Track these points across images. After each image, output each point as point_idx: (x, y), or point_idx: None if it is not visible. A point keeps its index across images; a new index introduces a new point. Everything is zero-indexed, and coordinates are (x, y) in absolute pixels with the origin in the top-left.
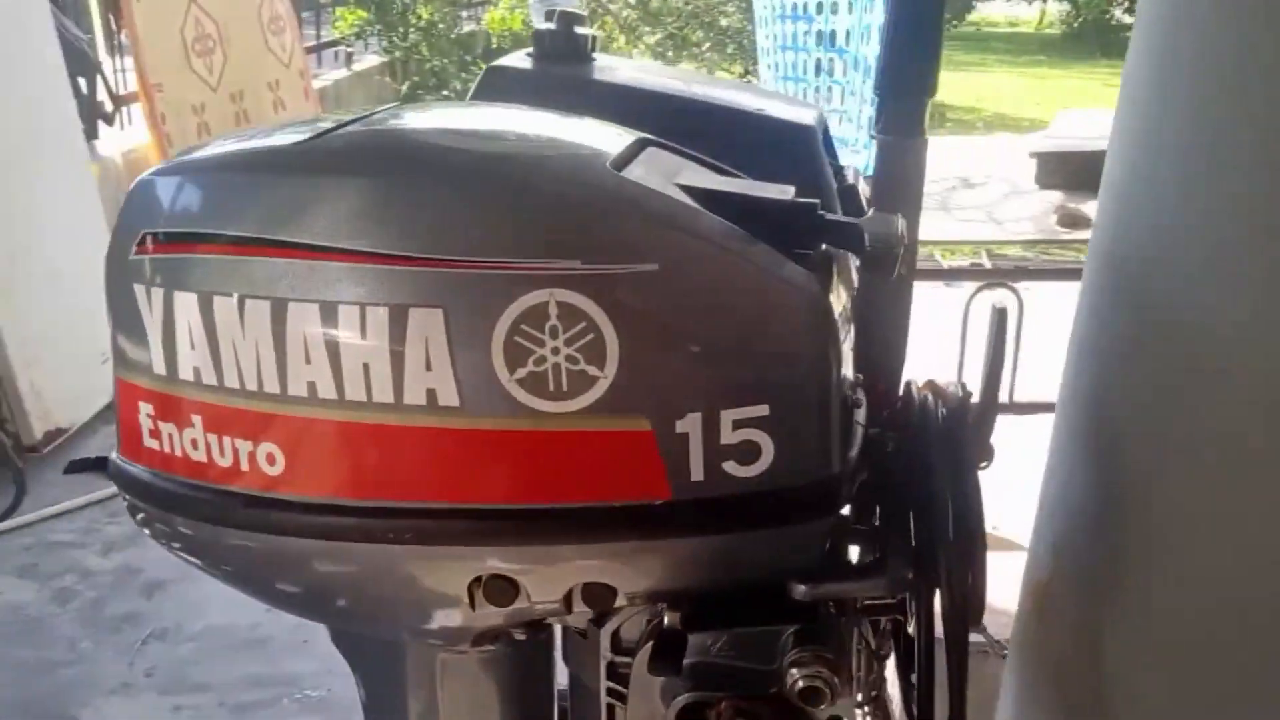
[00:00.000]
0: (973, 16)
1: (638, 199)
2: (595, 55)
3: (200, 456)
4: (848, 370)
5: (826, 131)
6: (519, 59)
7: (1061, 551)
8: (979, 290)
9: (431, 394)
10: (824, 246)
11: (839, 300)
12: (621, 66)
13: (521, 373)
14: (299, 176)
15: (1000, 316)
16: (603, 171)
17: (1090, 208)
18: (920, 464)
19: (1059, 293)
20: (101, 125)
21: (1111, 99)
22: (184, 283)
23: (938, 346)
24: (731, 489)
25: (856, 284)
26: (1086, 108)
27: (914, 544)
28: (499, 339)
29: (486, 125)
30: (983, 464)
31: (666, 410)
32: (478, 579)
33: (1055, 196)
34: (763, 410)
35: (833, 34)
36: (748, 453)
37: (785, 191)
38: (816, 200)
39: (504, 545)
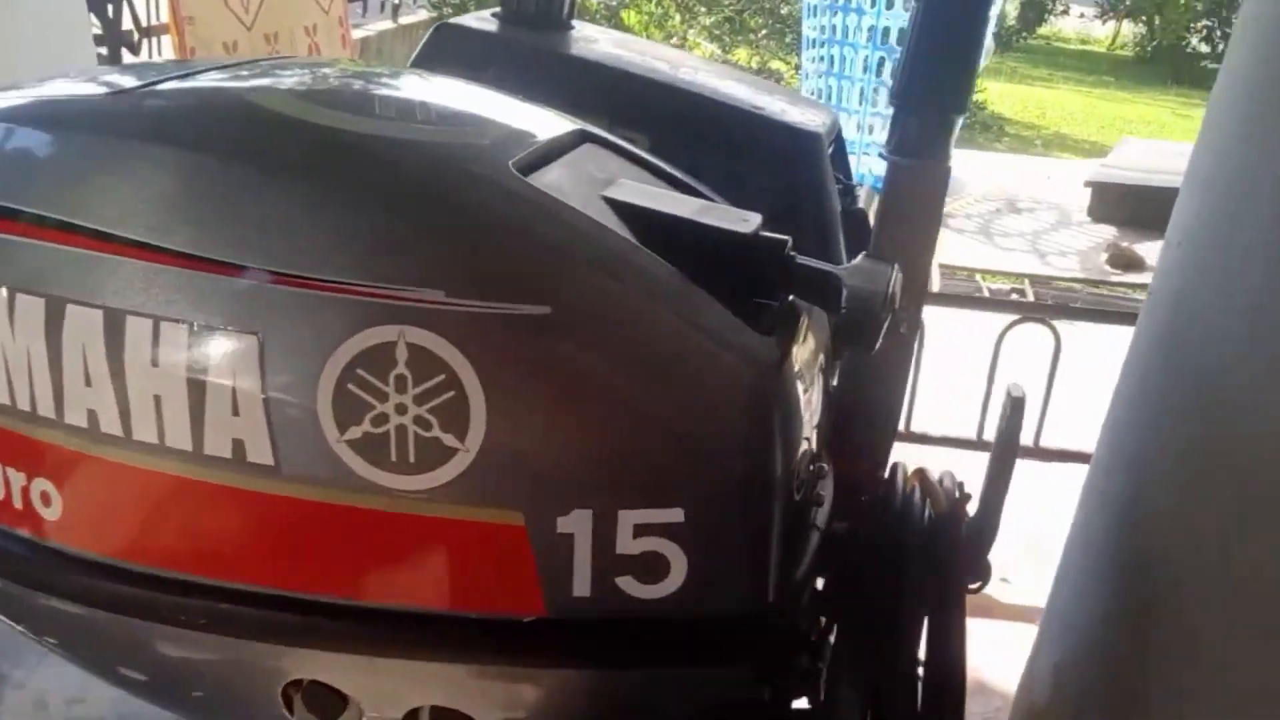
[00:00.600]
0: (1043, 30)
1: (535, 215)
2: (573, 23)
3: None
4: (805, 452)
5: (839, 140)
6: (481, 19)
7: (1075, 636)
8: (1014, 324)
9: (239, 446)
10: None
11: (807, 355)
12: (601, 39)
13: (355, 432)
14: (96, 140)
15: (1015, 408)
16: (498, 173)
17: (1146, 249)
18: (891, 582)
19: (1101, 336)
20: (126, 54)
21: (1180, 130)
22: None
23: (960, 382)
24: (627, 611)
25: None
26: (1152, 138)
27: (869, 699)
28: (327, 385)
29: (366, 94)
30: (973, 587)
31: (545, 502)
32: (297, 683)
33: (1108, 232)
34: (675, 515)
35: (885, 31)
36: (651, 567)
37: (747, 221)
38: (784, 238)
39: (327, 649)
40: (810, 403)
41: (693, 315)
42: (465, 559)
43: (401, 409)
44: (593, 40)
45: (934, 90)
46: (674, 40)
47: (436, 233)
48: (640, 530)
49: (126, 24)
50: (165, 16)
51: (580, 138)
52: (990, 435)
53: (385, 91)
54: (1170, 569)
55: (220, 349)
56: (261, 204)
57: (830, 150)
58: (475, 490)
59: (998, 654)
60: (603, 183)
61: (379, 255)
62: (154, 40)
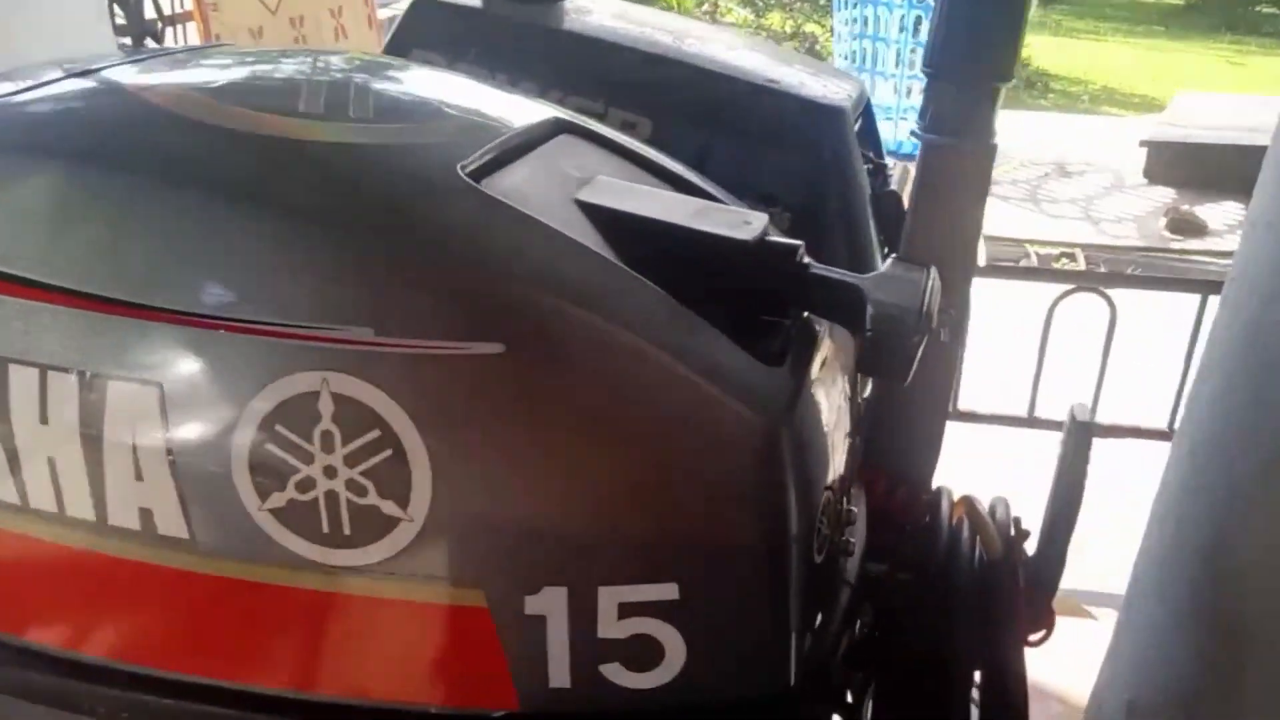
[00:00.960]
0: None
1: (484, 231)
2: None
3: None
4: (829, 501)
5: (867, 112)
6: None
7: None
8: (1066, 294)
9: (147, 516)
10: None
11: (830, 377)
12: (596, 10)
13: (278, 500)
14: None
15: (1080, 433)
16: (443, 180)
17: (1207, 212)
18: (938, 635)
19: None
20: (150, 43)
21: (1235, 80)
22: None
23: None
24: (617, 704)
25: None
26: (1206, 90)
27: None
28: (243, 444)
29: (291, 87)
30: (1035, 638)
31: (509, 579)
32: None
33: (1166, 195)
34: (667, 591)
35: (917, 20)
36: (642, 653)
37: (750, 224)
38: (794, 244)
39: None
40: (835, 438)
41: (683, 349)
42: (419, 646)
43: (330, 472)
44: (586, 11)
45: (974, 54)
46: (705, 7)
47: (362, 257)
48: (627, 610)
49: (150, 13)
50: (189, 3)
51: (554, 128)
52: (1042, 412)
53: (318, 83)
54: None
55: (117, 402)
56: (154, 227)
57: (857, 125)
58: (425, 566)
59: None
60: (578, 182)
61: (294, 287)
62: (178, 28)
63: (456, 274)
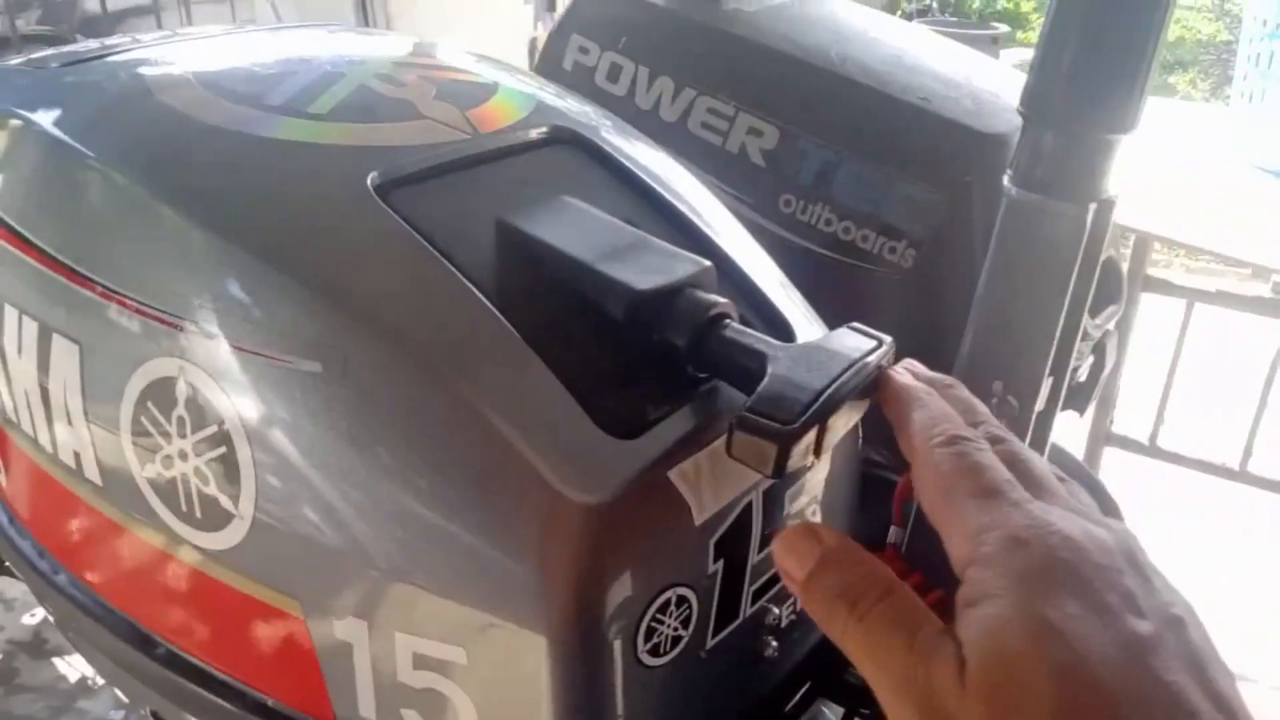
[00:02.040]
0: None
1: (339, 245)
2: None
3: None
4: (682, 599)
5: None
6: None
7: None
8: None
9: (78, 459)
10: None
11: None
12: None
13: (151, 471)
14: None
15: None
16: (338, 187)
17: None
18: None
19: None
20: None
21: None
22: None
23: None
24: None
25: None
26: None
27: None
28: (127, 413)
29: (282, 73)
30: None
31: (320, 600)
32: (145, 714)
33: None
34: (456, 655)
35: None
36: (436, 708)
37: (673, 270)
38: (712, 301)
39: (152, 685)
40: (723, 525)
41: (508, 405)
42: (258, 639)
43: (184, 455)
44: (755, 8)
45: (1082, 95)
46: None
47: (222, 254)
48: (420, 662)
49: None
50: None
51: (550, 139)
52: (1257, 466)
53: (308, 70)
54: None
55: (55, 354)
56: (96, 202)
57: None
58: (254, 565)
59: None
60: (527, 203)
61: (173, 274)
62: None
63: (293, 286)
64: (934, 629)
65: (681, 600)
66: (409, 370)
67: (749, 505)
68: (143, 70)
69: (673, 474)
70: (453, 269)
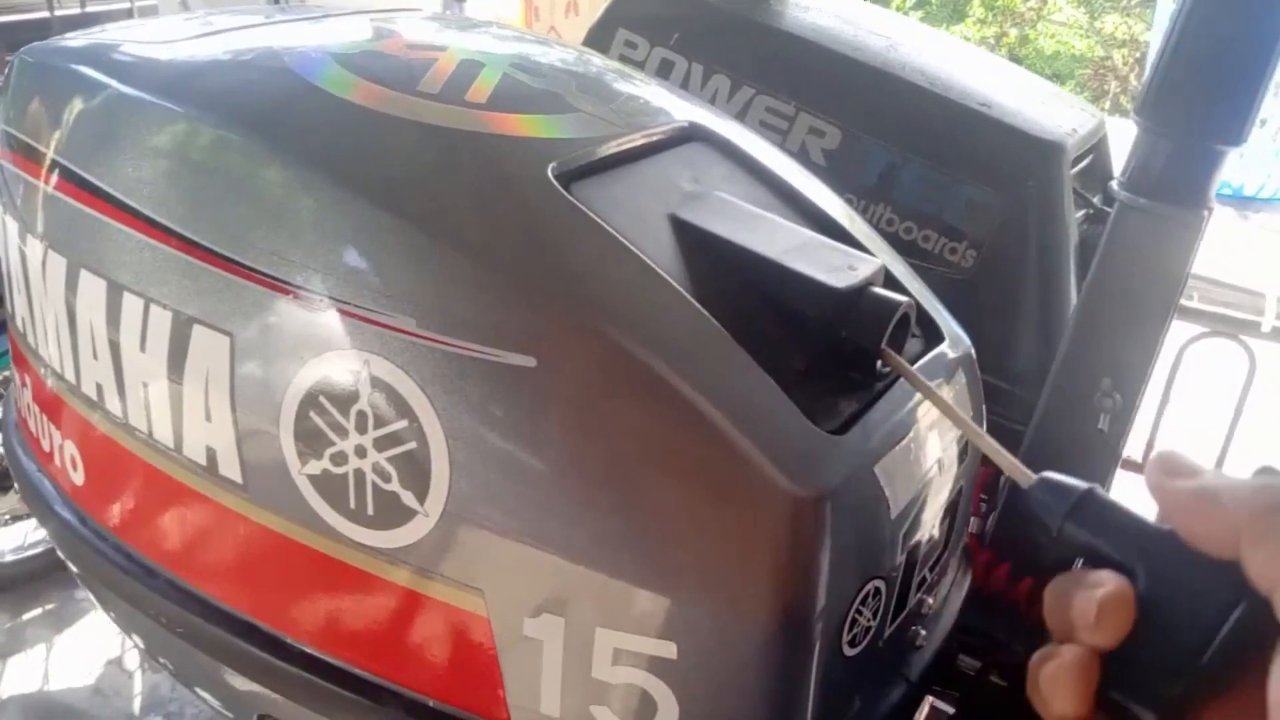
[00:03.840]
0: None
1: (545, 239)
2: None
3: (34, 429)
4: (876, 590)
5: (1100, 151)
6: None
7: None
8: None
9: (212, 456)
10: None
11: (919, 450)
12: (815, 7)
13: (315, 467)
14: (130, 92)
15: None
16: (523, 179)
17: None
18: None
19: None
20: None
21: None
22: (11, 199)
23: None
24: None
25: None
26: None
27: None
28: (290, 408)
29: (421, 60)
30: None
31: (512, 597)
32: (263, 717)
33: None
34: (666, 649)
35: None
36: (635, 704)
37: (853, 270)
38: (898, 300)
39: (278, 691)
40: (909, 521)
41: (728, 398)
42: (424, 638)
43: (361, 451)
44: (803, 8)
45: (1198, 108)
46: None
47: (415, 246)
48: (622, 657)
49: None
50: None
51: (685, 134)
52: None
53: (448, 58)
54: None
55: (197, 345)
56: (253, 187)
57: (1083, 165)
58: (434, 562)
59: None
60: (685, 196)
61: (355, 264)
62: None
63: (503, 279)
64: None
65: (876, 592)
66: (629, 367)
67: (924, 500)
68: (283, 55)
69: (877, 468)
70: (654, 266)
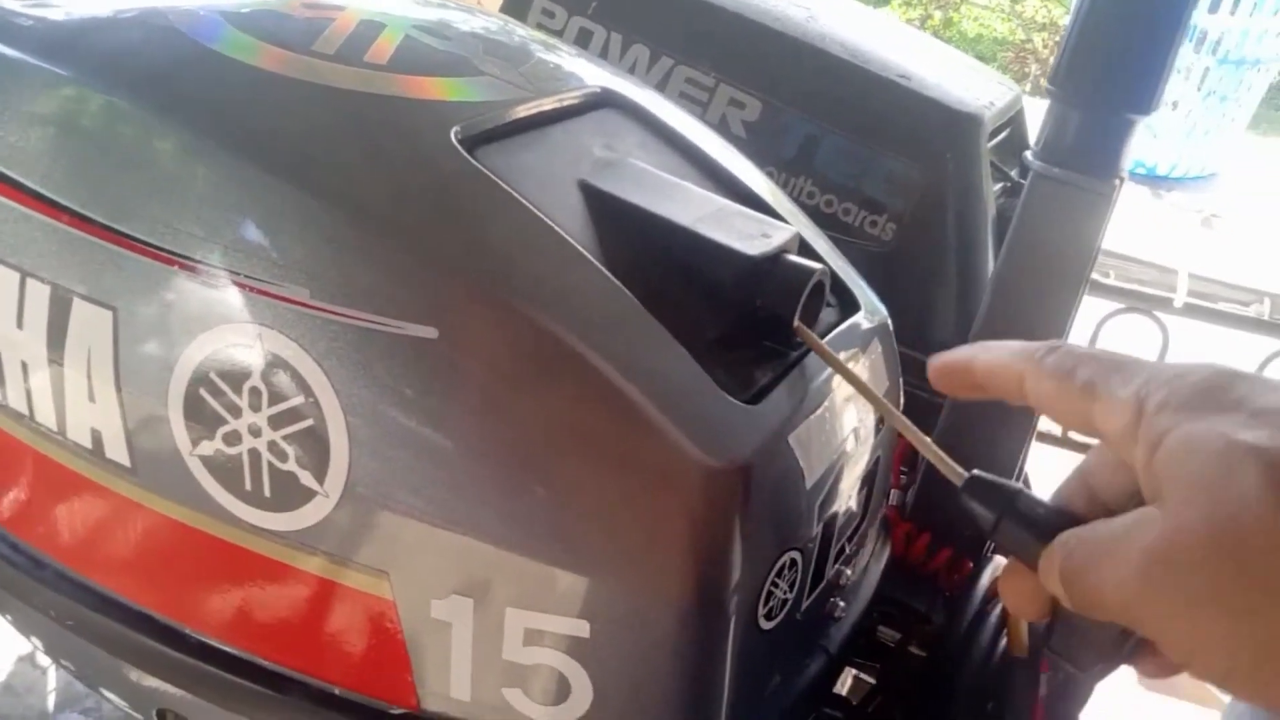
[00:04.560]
0: None
1: (447, 204)
2: None
3: None
4: (794, 562)
5: (1017, 125)
6: None
7: None
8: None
9: (98, 438)
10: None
11: (835, 419)
12: None
13: (207, 448)
14: (8, 53)
15: None
16: (424, 143)
17: None
18: None
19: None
20: None
21: None
22: None
23: None
24: None
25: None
26: None
27: None
28: (179, 385)
29: (317, 23)
30: None
31: (418, 578)
32: (162, 713)
33: None
34: (578, 628)
35: (1204, 34)
36: (547, 684)
37: (767, 237)
38: (813, 267)
39: (175, 684)
40: (824, 492)
41: (639, 368)
42: (327, 624)
43: (255, 430)
44: None
45: (1109, 78)
46: None
47: (307, 212)
48: (533, 637)
49: None
50: None
51: (598, 100)
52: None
53: (346, 17)
54: None
55: (78, 320)
56: (136, 153)
57: (1000, 138)
58: (336, 544)
59: None
60: (597, 163)
61: (246, 233)
62: None
63: (400, 246)
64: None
65: (793, 564)
66: (535, 338)
67: (840, 470)
68: (169, 15)
69: (791, 438)
70: (562, 233)
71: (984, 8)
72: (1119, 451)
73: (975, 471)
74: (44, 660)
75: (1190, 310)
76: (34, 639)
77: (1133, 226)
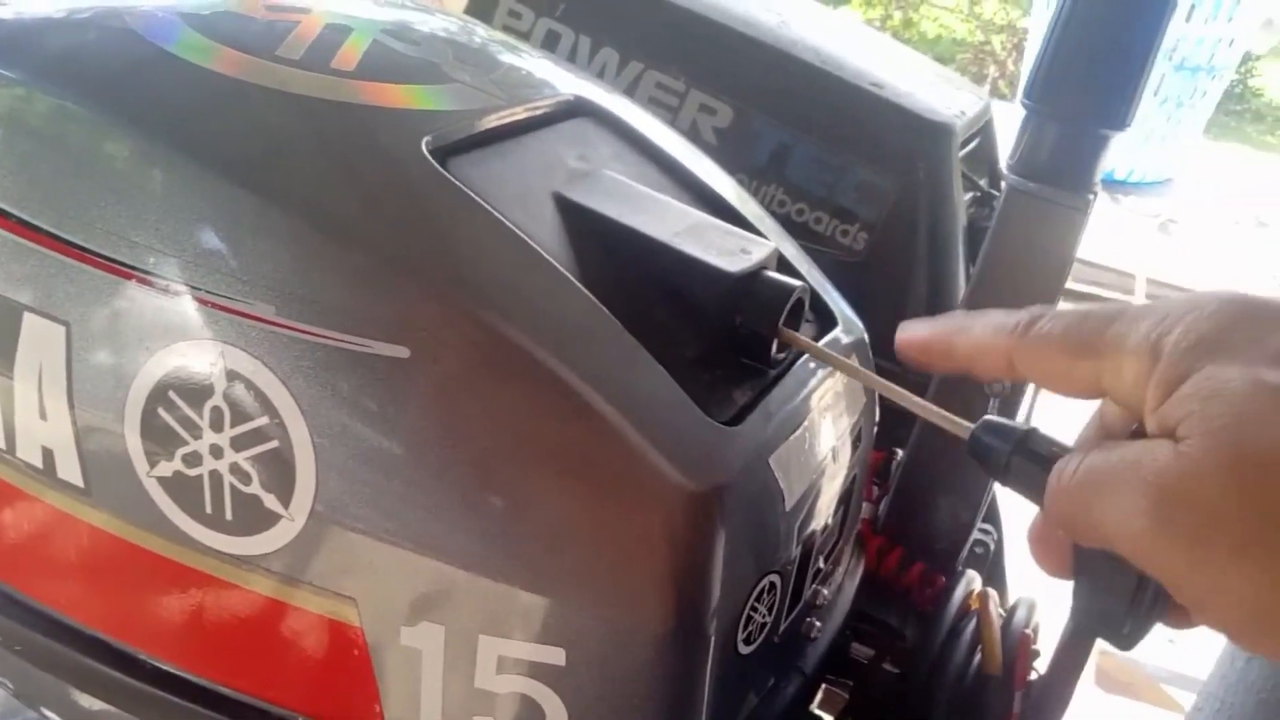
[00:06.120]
0: None
1: (420, 217)
2: None
3: None
4: (772, 586)
5: (987, 135)
6: None
7: None
8: None
9: (49, 457)
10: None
11: (813, 438)
12: None
13: (165, 469)
14: None
15: None
16: (395, 153)
17: None
18: None
19: None
20: None
21: None
22: None
23: None
24: None
25: None
26: None
27: None
28: (136, 403)
29: (281, 27)
30: None
31: (387, 605)
32: None
33: None
34: (554, 656)
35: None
36: (521, 714)
37: (746, 254)
38: (793, 284)
39: (131, 709)
40: (803, 513)
41: (616, 388)
42: (292, 651)
43: (217, 451)
44: None
45: (1084, 92)
46: None
47: (272, 225)
48: (507, 665)
49: None
50: None
51: (572, 109)
52: None
53: (311, 21)
54: None
55: (28, 334)
56: (90, 160)
57: (970, 147)
58: (302, 570)
59: None
60: (571, 175)
61: (208, 246)
62: None
63: (369, 262)
64: None
65: (772, 587)
66: (511, 357)
67: (819, 490)
68: (125, 16)
69: (772, 459)
70: (537, 247)
71: (943, 9)
72: (1128, 405)
73: (986, 417)
74: None
75: None
76: None
77: (1090, 231)
